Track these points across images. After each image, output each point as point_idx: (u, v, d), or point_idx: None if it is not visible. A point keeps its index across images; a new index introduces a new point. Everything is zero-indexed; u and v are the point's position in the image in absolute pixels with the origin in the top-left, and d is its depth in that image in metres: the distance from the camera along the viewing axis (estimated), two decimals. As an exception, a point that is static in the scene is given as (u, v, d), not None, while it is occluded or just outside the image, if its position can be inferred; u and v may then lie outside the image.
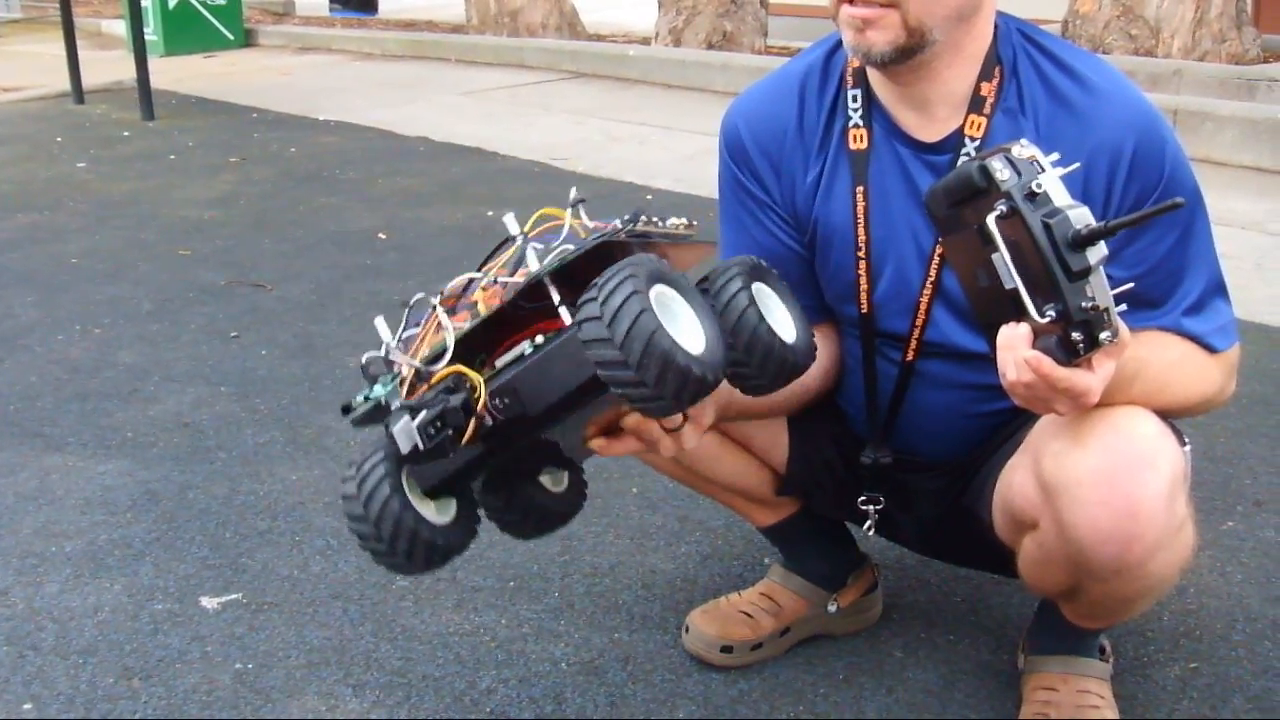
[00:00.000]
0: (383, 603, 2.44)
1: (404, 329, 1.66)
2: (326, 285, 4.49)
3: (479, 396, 1.52)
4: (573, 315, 1.47)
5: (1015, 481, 1.83)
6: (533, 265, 1.55)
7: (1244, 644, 2.26)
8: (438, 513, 1.60)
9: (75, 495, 2.92)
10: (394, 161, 6.52)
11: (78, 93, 8.55)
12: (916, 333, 1.92)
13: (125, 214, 5.57)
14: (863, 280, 1.92)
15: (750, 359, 1.57)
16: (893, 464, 2.04)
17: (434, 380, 1.54)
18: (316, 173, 6.29)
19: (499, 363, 1.56)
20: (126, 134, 7.44)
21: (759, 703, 2.13)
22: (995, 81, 1.80)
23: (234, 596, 2.48)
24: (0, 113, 8.43)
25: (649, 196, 5.61)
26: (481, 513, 1.69)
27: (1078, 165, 1.59)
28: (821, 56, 1.94)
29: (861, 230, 1.89)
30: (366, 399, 1.60)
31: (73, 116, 8.10)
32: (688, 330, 1.47)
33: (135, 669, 2.26)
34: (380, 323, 1.63)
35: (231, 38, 12.39)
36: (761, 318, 1.57)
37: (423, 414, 1.49)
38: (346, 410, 1.63)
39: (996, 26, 1.81)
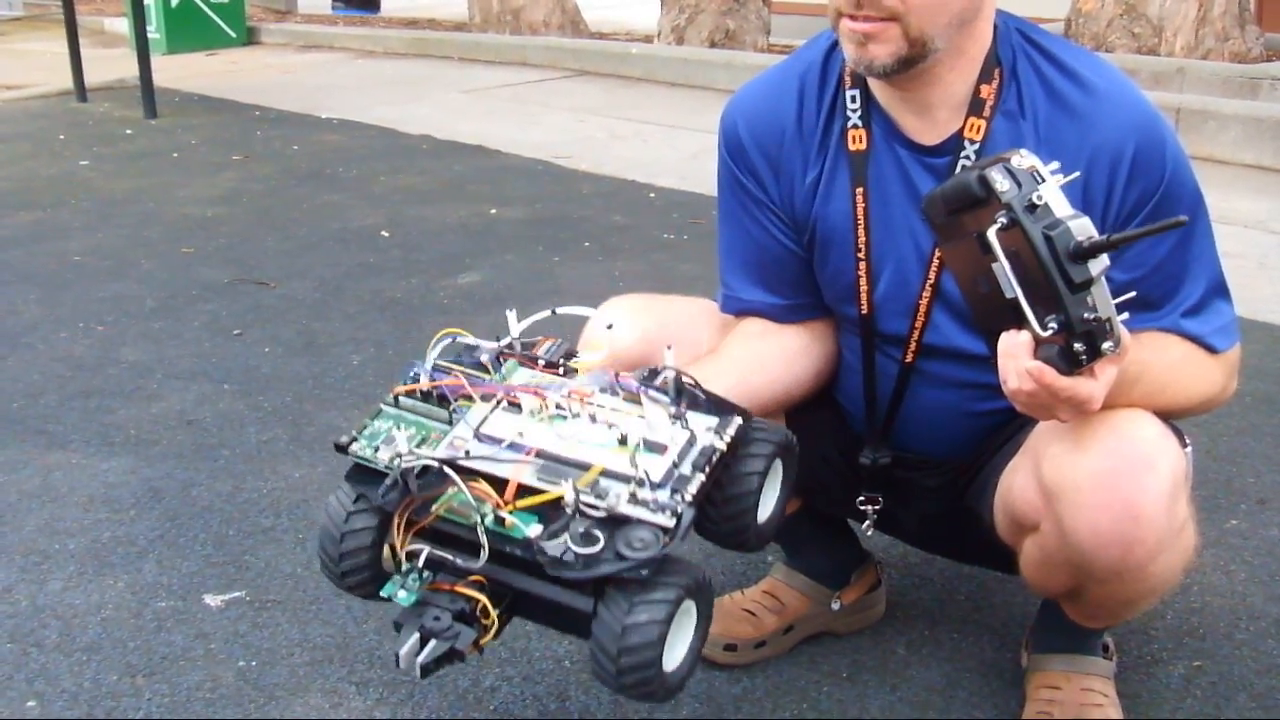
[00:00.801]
0: (386, 601, 2.43)
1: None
2: (329, 283, 4.49)
3: (487, 638, 1.55)
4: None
5: (1016, 484, 1.83)
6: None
7: (1248, 642, 2.26)
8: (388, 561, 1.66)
9: (78, 493, 2.92)
10: (396, 159, 6.51)
11: (80, 90, 8.55)
12: (916, 334, 1.91)
13: (128, 212, 5.57)
14: (863, 282, 1.92)
15: (718, 524, 1.62)
16: (892, 463, 2.04)
17: (455, 587, 1.55)
18: (319, 170, 6.29)
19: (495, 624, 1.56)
20: (129, 132, 7.44)
21: (762, 700, 2.13)
22: (995, 84, 1.80)
23: (237, 594, 2.48)
24: (3, 111, 8.43)
25: (651, 194, 5.61)
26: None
27: (1077, 175, 1.59)
28: (820, 55, 1.93)
29: (861, 232, 1.89)
30: (367, 459, 1.64)
31: (75, 114, 8.10)
32: (678, 646, 1.53)
33: (139, 666, 2.26)
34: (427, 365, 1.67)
35: (234, 35, 12.39)
36: (755, 506, 1.63)
37: (431, 646, 1.53)
38: (341, 449, 1.67)
39: (996, 27, 1.81)
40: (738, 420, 1.62)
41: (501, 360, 1.72)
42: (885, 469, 2.04)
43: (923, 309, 1.89)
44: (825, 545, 2.28)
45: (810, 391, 2.04)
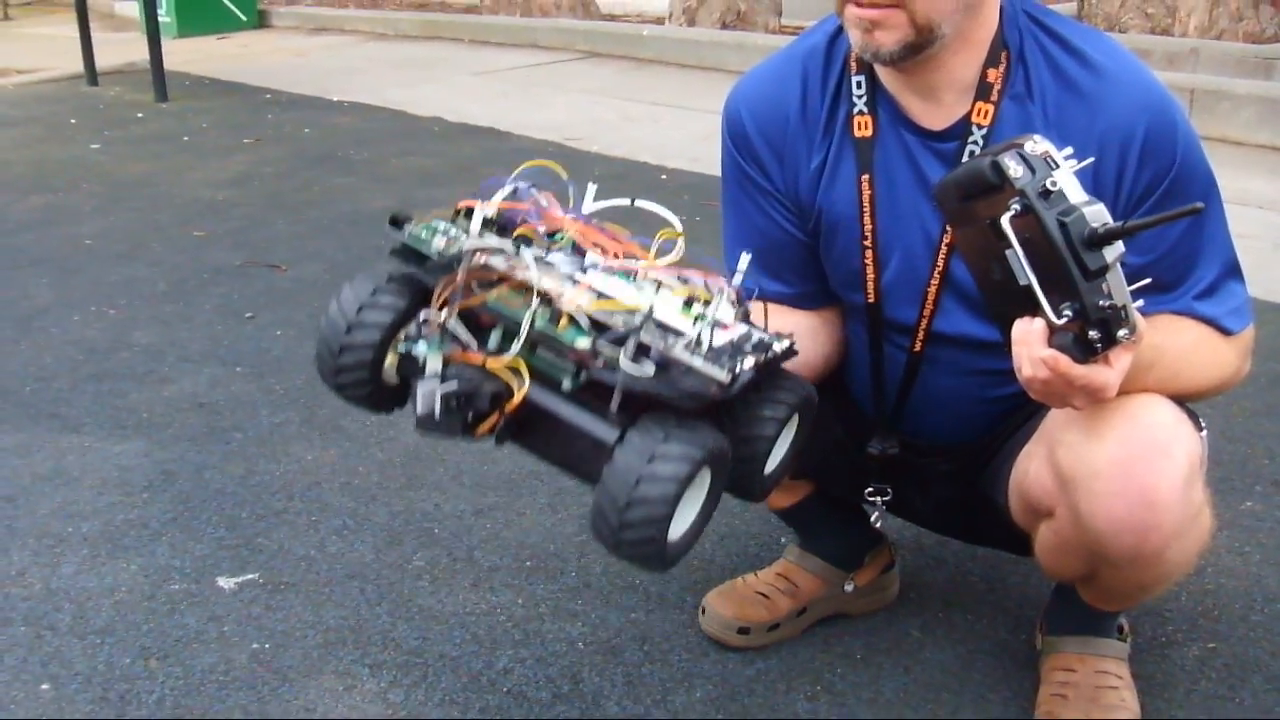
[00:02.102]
0: (399, 583, 2.44)
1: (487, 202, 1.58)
2: (341, 265, 4.48)
3: (515, 401, 1.48)
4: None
5: (1031, 470, 1.82)
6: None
7: (1262, 624, 2.25)
8: (390, 373, 1.59)
9: (91, 476, 2.93)
10: (408, 142, 6.51)
11: (91, 74, 8.55)
12: (924, 322, 1.90)
13: (139, 195, 5.58)
14: (869, 269, 1.90)
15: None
16: (901, 451, 2.03)
17: (486, 361, 1.48)
18: (330, 153, 6.29)
19: (528, 386, 1.49)
20: (140, 115, 7.44)
21: (776, 682, 2.13)
22: (1002, 67, 1.78)
23: (250, 576, 2.49)
24: (14, 95, 8.44)
25: (663, 176, 5.60)
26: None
27: (1091, 160, 1.57)
28: (824, 39, 1.90)
29: (868, 219, 1.87)
30: (419, 239, 1.54)
31: (86, 98, 8.10)
32: (685, 513, 1.46)
33: (152, 649, 2.26)
34: (477, 215, 1.56)
35: (244, 19, 12.38)
36: (768, 453, 1.57)
37: (451, 384, 1.46)
38: (395, 224, 1.57)
39: (1002, 10, 1.79)
40: (789, 340, 1.54)
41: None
42: (894, 458, 2.04)
43: (931, 296, 1.88)
44: (838, 528, 2.28)
45: (819, 377, 2.02)
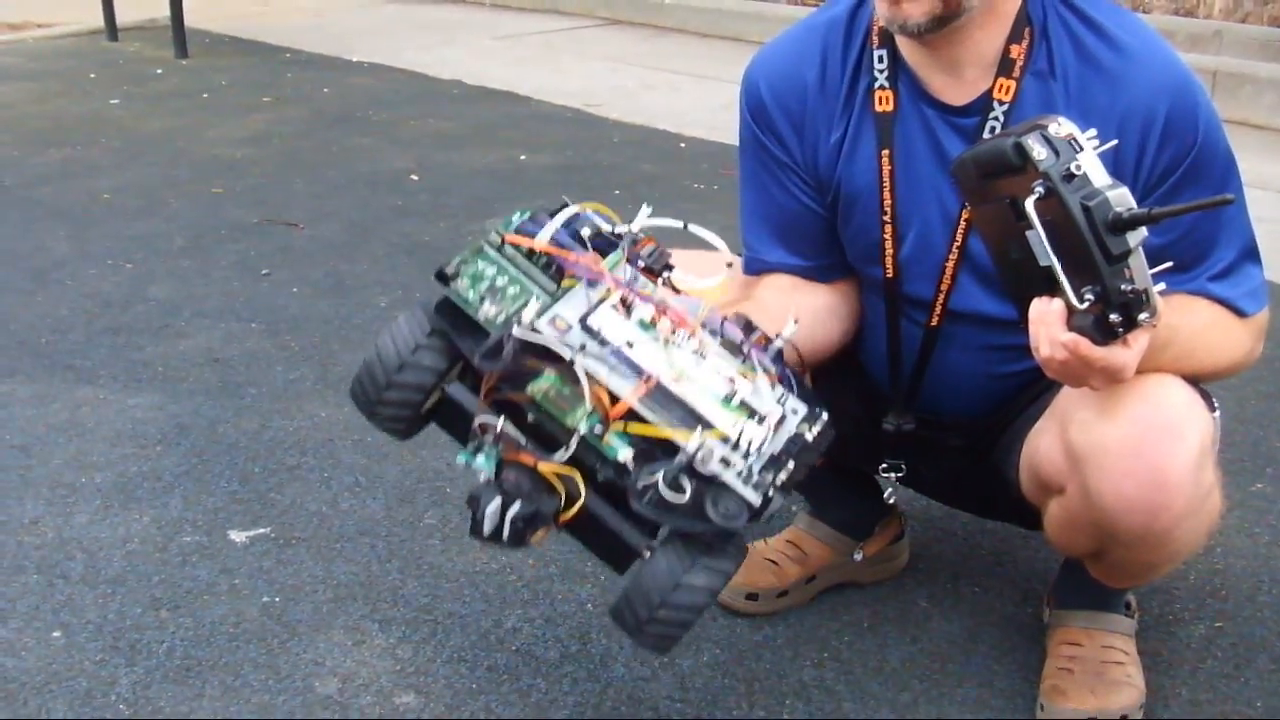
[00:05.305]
0: (410, 540, 2.45)
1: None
2: (358, 225, 4.48)
3: (570, 513, 1.49)
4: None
5: (1042, 446, 1.82)
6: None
7: (1270, 604, 2.26)
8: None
9: (105, 427, 2.94)
10: (426, 104, 6.49)
11: (111, 29, 8.52)
12: (941, 298, 1.90)
13: (157, 151, 5.57)
14: (888, 245, 1.90)
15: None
16: (916, 426, 2.03)
17: (540, 466, 1.48)
18: (349, 113, 6.28)
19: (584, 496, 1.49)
20: (159, 71, 7.42)
21: (783, 648, 2.14)
22: (1025, 43, 1.77)
23: (262, 531, 2.50)
24: (34, 49, 8.42)
25: (682, 144, 5.59)
26: None
27: (1115, 143, 1.57)
28: (845, 13, 1.90)
29: (887, 194, 1.87)
30: (466, 301, 1.50)
31: (106, 53, 8.08)
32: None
33: (163, 600, 2.28)
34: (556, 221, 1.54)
35: (265, -23, 12.34)
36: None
37: (516, 507, 1.46)
38: (442, 279, 1.53)
39: None
40: (824, 418, 1.59)
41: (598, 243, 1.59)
42: (909, 433, 2.04)
43: (949, 272, 1.88)
44: (849, 497, 2.28)
45: (836, 349, 2.02)
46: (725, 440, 1.47)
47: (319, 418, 2.98)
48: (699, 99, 6.46)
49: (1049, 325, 1.53)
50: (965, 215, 1.83)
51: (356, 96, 6.68)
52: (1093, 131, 1.50)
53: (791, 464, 1.51)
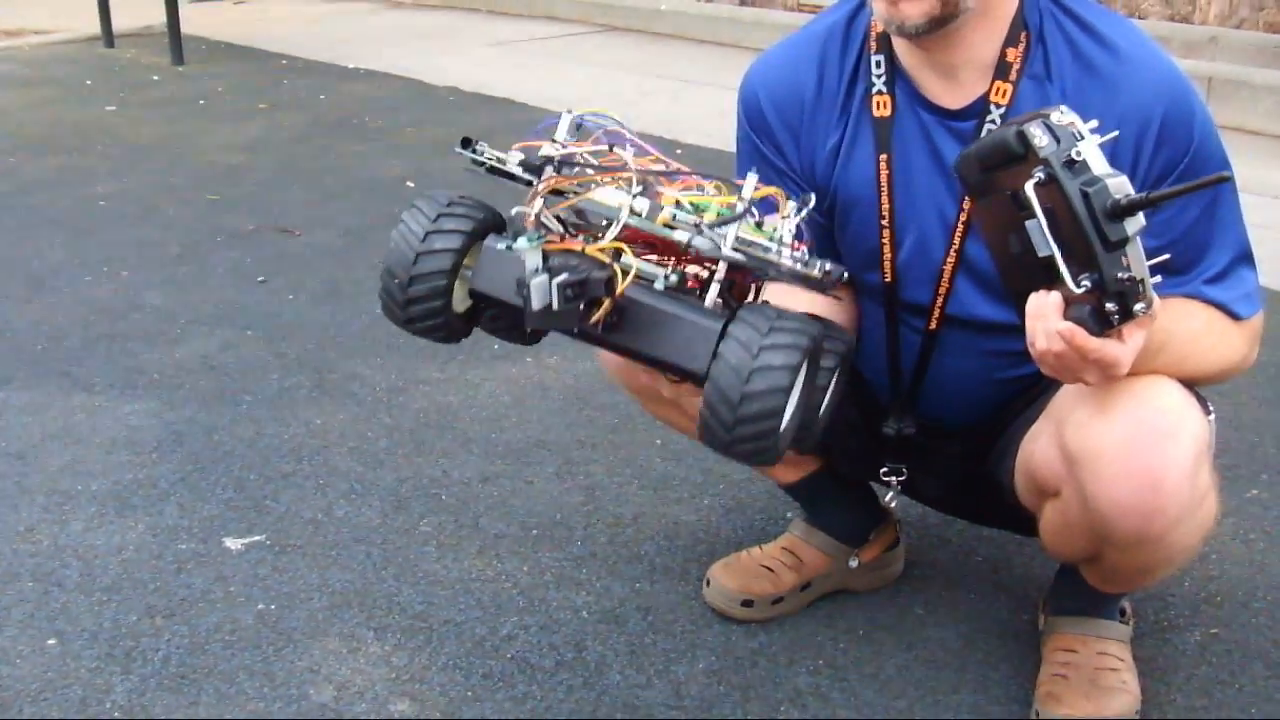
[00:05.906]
0: (405, 548, 2.45)
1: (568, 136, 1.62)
2: (354, 232, 4.48)
3: (626, 282, 1.47)
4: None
5: (1038, 449, 1.82)
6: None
7: (1265, 611, 2.25)
8: (458, 301, 1.60)
9: (101, 435, 2.94)
10: (423, 111, 6.50)
11: (108, 36, 8.52)
12: (939, 302, 1.90)
13: (154, 158, 5.57)
14: (886, 249, 1.91)
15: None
16: (915, 432, 2.03)
17: (587, 248, 1.49)
18: (345, 120, 6.28)
19: (634, 263, 1.50)
20: (156, 78, 7.42)
21: (778, 655, 2.14)
22: (1021, 47, 1.78)
23: (257, 538, 2.50)
24: (31, 56, 8.42)
25: (679, 151, 5.59)
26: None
27: (1116, 134, 1.57)
28: (844, 18, 1.91)
29: (885, 199, 1.88)
30: (493, 166, 1.54)
31: (102, 60, 8.08)
32: (791, 407, 1.49)
33: (158, 607, 2.27)
34: (564, 121, 1.62)
35: (262, -16, 12.34)
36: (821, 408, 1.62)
37: (564, 274, 1.45)
38: (468, 145, 1.55)
39: None
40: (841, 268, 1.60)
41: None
42: (908, 438, 2.04)
43: (946, 276, 1.88)
44: (844, 503, 2.28)
45: None
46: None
47: (314, 425, 2.98)
48: (695, 105, 6.46)
49: (1045, 318, 1.54)
50: (963, 219, 1.83)
51: (353, 103, 6.68)
52: (1095, 122, 1.50)
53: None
